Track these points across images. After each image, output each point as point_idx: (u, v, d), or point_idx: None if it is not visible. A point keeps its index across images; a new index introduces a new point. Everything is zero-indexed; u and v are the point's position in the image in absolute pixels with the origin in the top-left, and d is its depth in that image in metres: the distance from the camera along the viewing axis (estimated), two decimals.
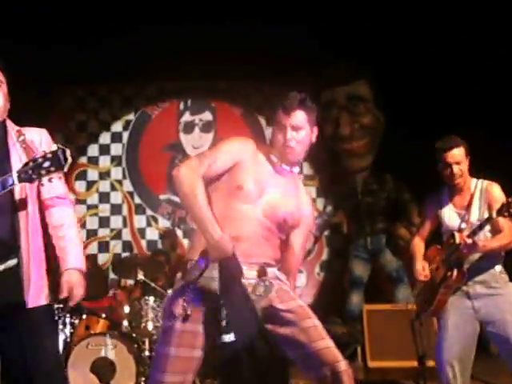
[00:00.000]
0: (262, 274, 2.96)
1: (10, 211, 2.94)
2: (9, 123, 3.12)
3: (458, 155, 4.02)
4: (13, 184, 2.78)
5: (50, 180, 2.77)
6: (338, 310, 7.60)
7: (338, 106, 8.48)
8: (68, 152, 2.74)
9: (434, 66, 7.18)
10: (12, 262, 2.93)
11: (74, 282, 3.03)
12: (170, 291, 5.78)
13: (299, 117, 3.03)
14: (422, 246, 4.31)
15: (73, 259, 3.07)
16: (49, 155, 2.72)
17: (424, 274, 4.14)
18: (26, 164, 2.75)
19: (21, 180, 2.76)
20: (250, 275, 2.92)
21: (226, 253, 2.80)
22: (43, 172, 2.72)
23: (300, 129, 3.03)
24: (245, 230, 2.95)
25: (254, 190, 2.99)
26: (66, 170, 2.75)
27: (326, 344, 2.91)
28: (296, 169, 3.15)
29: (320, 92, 8.49)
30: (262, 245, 2.99)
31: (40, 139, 3.10)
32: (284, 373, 2.92)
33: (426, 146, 4.29)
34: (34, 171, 2.73)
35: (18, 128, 3.09)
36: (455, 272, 3.92)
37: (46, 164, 2.72)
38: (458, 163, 4.02)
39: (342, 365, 2.87)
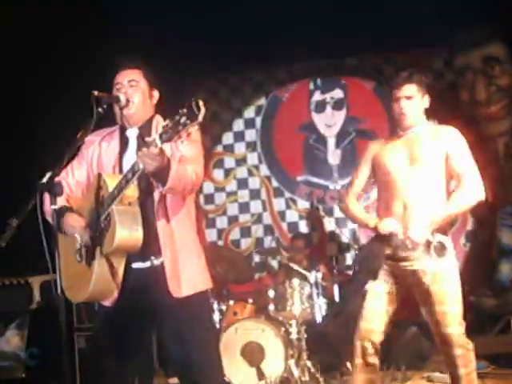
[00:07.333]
0: None
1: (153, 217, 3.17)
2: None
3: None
4: (156, 146, 2.84)
5: (188, 135, 2.78)
6: (487, 282, 7.39)
7: (473, 70, 8.13)
8: (201, 102, 2.71)
9: None
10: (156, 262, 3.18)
11: None
12: (313, 273, 5.84)
13: (409, 89, 3.92)
14: None
15: None
16: (184, 110, 2.73)
17: None
18: (166, 125, 2.80)
19: (163, 141, 2.82)
20: None
21: None
22: (180, 128, 2.73)
23: (411, 98, 3.92)
24: None
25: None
26: (200, 119, 2.72)
27: None
28: (416, 128, 4.01)
29: (453, 57, 8.23)
30: None
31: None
32: None
33: None
34: (172, 129, 2.76)
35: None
36: None
37: (183, 119, 2.72)
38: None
39: None
